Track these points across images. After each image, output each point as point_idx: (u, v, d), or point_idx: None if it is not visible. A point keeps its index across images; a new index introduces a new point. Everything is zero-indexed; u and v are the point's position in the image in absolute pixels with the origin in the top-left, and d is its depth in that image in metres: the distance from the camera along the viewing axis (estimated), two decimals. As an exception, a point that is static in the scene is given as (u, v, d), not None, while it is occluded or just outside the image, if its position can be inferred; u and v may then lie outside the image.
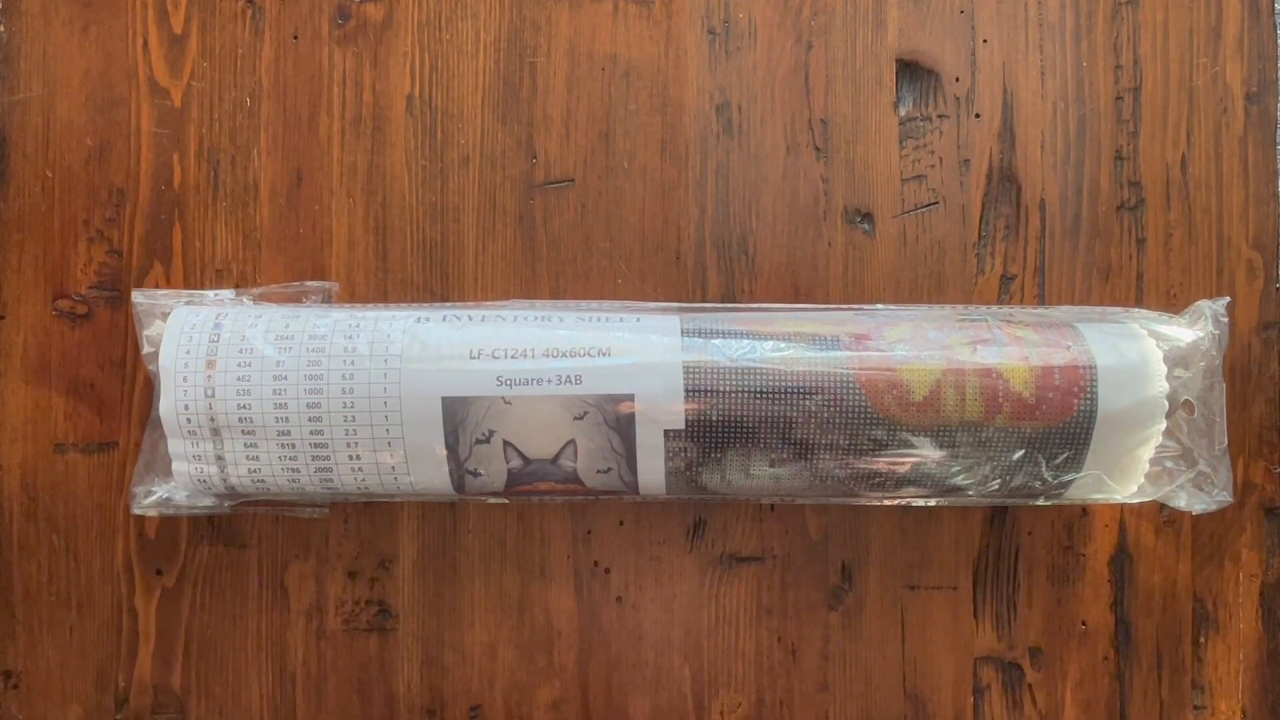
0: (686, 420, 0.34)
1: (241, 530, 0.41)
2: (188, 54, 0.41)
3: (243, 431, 0.35)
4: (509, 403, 0.34)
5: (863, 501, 0.40)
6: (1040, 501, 0.38)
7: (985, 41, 0.41)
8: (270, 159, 0.41)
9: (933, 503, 0.40)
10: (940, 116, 0.41)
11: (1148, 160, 0.41)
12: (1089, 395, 0.34)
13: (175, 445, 0.35)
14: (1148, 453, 0.35)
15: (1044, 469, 0.35)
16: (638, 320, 0.36)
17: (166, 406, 0.35)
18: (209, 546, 0.41)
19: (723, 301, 0.41)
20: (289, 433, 0.34)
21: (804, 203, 0.41)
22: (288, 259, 0.41)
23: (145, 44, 0.41)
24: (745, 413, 0.34)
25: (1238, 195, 0.41)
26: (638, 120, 0.41)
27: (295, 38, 0.41)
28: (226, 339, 0.35)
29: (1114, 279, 0.41)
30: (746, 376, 0.34)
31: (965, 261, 0.41)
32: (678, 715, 0.41)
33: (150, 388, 0.40)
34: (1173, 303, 0.41)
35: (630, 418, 0.34)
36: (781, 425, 0.34)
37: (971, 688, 0.41)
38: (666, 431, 0.34)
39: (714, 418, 0.34)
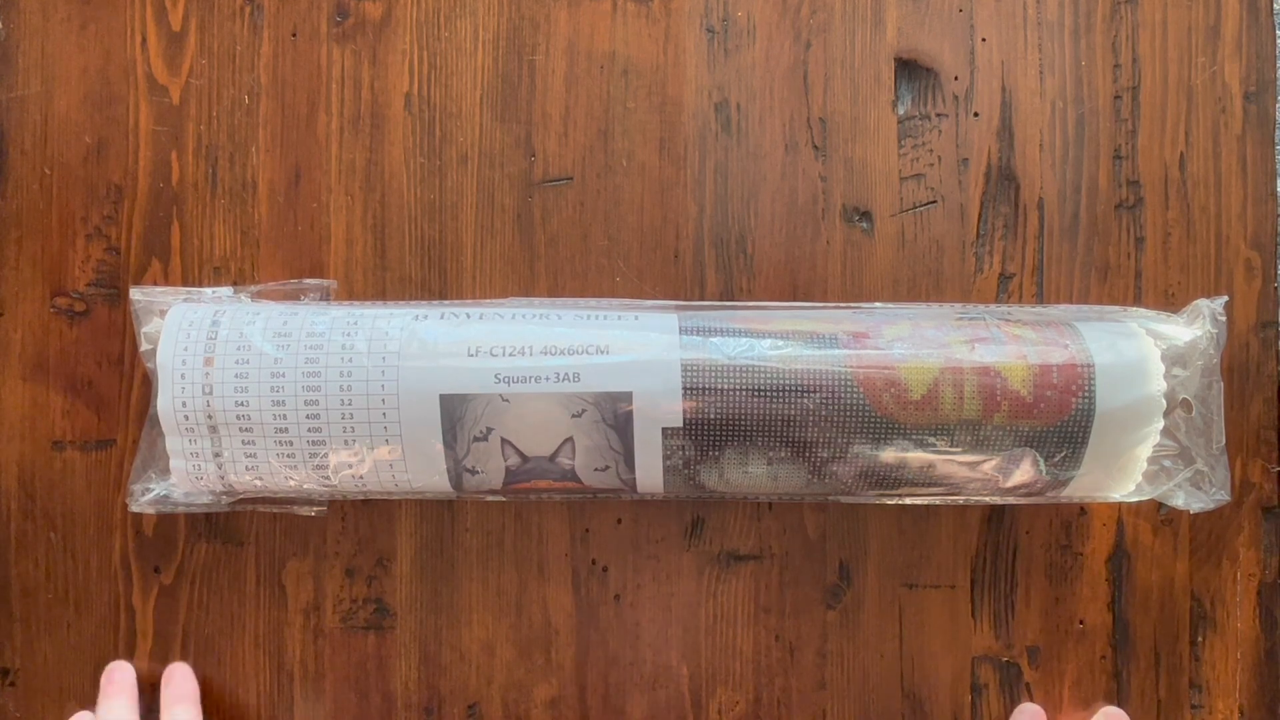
0: (684, 418, 0.34)
1: (239, 528, 0.41)
2: (186, 51, 0.41)
3: (240, 429, 0.35)
4: (507, 400, 0.34)
5: (861, 500, 0.40)
6: (1038, 500, 0.38)
7: (984, 40, 0.41)
8: (269, 157, 0.41)
9: (931, 501, 0.40)
10: (939, 115, 0.41)
11: (1146, 159, 0.41)
12: (1087, 394, 0.34)
13: (173, 443, 0.35)
14: (1145, 451, 0.35)
15: (1042, 468, 0.35)
16: (636, 318, 0.36)
17: (164, 404, 0.35)
18: (206, 544, 0.41)
19: (721, 300, 0.41)
20: (286, 430, 0.34)
21: (802, 201, 0.41)
22: (286, 256, 0.41)
23: (144, 41, 0.41)
24: (743, 411, 0.34)
25: (1236, 194, 0.41)
26: (636, 118, 0.41)
27: (294, 35, 0.41)
28: (224, 336, 0.35)
29: (1112, 278, 0.41)
30: (744, 375, 0.34)
31: (964, 260, 0.41)
32: (675, 714, 0.41)
33: (148, 385, 0.40)
34: (1171, 302, 0.41)
35: (628, 416, 0.34)
36: (779, 423, 0.34)
37: (969, 686, 0.41)
38: (664, 429, 0.34)
39: (712, 416, 0.34)
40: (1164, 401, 0.34)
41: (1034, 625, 0.41)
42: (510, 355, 0.34)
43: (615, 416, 0.34)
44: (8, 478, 0.41)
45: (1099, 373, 0.34)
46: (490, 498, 0.40)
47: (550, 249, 0.41)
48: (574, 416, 0.34)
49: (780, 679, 0.41)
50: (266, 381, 0.34)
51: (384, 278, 0.41)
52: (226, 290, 0.39)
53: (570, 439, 0.34)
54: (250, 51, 0.41)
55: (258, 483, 0.36)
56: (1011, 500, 0.40)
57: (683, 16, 0.41)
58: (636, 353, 0.34)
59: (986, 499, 0.38)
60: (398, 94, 0.41)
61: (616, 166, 0.41)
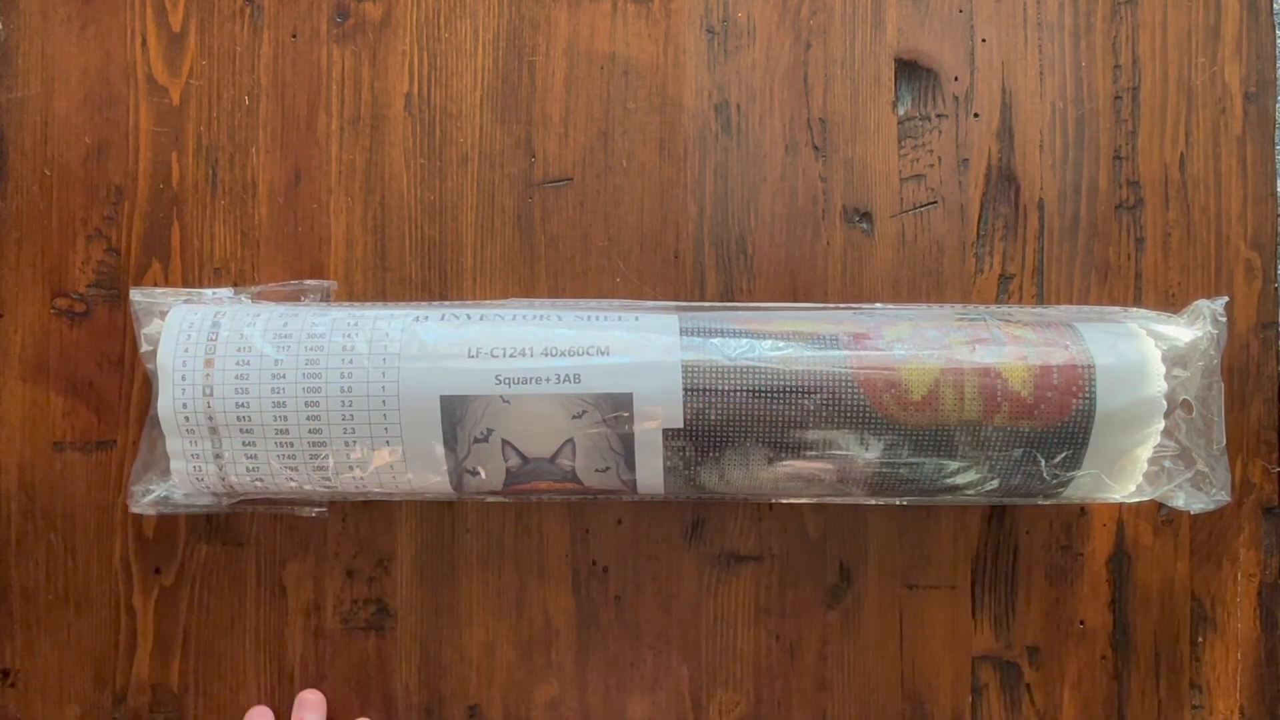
0: (685, 419, 0.34)
1: (240, 529, 0.41)
2: (186, 52, 0.41)
3: (241, 430, 0.35)
4: (507, 401, 0.34)
5: (861, 501, 0.40)
6: (1039, 501, 0.38)
7: (984, 41, 0.41)
8: (269, 158, 0.41)
9: (931, 502, 0.40)
10: (939, 116, 0.41)
11: (1146, 160, 0.41)
12: (1087, 395, 0.34)
13: (173, 444, 0.35)
14: (1146, 452, 0.35)
15: (1042, 468, 0.35)
16: (636, 319, 0.36)
17: (165, 405, 0.35)
18: (207, 545, 0.41)
19: (721, 300, 0.41)
20: (287, 431, 0.34)
21: (803, 202, 0.41)
22: (286, 258, 0.41)
23: (144, 42, 0.41)
24: (744, 412, 0.34)
25: (1236, 195, 0.41)
26: (636, 119, 0.41)
27: (294, 36, 0.41)
28: (225, 338, 0.35)
29: (1112, 278, 0.41)
30: (745, 375, 0.34)
31: (964, 261, 0.41)
32: (675, 714, 0.41)
33: (149, 386, 0.40)
34: (1171, 302, 0.41)
35: (629, 417, 0.34)
36: (780, 424, 0.34)
37: (970, 687, 0.41)
38: (665, 430, 0.34)
39: (712, 417, 0.34)
40: (1164, 402, 0.34)
41: (1034, 626, 0.41)
42: (511, 356, 0.34)
43: (616, 418, 0.34)
44: (8, 479, 0.41)
45: (1099, 374, 0.34)
46: (491, 499, 0.40)
47: (550, 250, 0.41)
48: (574, 418, 0.34)
49: (780, 680, 0.41)
50: (267, 383, 0.34)
51: (384, 278, 0.41)
52: (227, 291, 0.39)
53: (571, 440, 0.34)
54: (250, 52, 0.41)
55: (258, 484, 0.36)
56: (1012, 501, 0.40)
57: (683, 17, 0.41)
58: (637, 354, 0.34)
59: (987, 500, 0.38)
60: (398, 94, 0.41)
61: (616, 167, 0.41)
